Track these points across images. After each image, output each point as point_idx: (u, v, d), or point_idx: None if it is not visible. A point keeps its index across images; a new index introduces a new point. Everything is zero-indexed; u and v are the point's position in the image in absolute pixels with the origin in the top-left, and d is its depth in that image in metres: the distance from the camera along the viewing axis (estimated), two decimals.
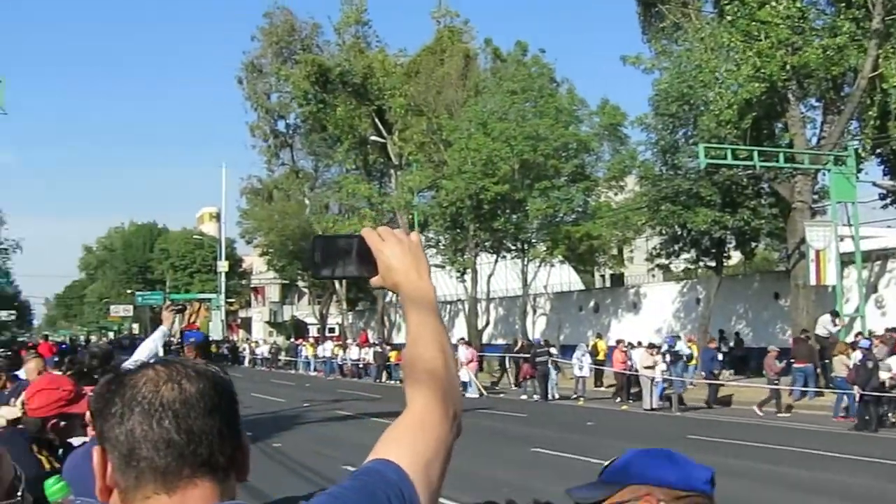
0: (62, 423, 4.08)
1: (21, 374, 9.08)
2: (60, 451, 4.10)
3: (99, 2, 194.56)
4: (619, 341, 27.80)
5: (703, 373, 24.19)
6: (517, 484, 12.36)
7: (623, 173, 35.70)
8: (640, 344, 26.04)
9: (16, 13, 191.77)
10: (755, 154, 24.21)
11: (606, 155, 37.12)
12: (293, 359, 49.44)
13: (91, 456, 1.32)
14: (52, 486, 3.41)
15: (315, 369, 44.96)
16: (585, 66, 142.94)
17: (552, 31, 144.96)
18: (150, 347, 6.95)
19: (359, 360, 41.18)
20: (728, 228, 27.40)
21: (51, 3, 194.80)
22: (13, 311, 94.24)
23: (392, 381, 36.58)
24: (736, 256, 33.69)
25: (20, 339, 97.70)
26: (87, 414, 4.22)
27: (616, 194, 37.32)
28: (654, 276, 42.47)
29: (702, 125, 25.70)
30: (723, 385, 24.30)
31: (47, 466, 3.96)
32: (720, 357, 25.64)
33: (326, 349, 45.25)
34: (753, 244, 31.34)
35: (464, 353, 29.21)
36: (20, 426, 4.31)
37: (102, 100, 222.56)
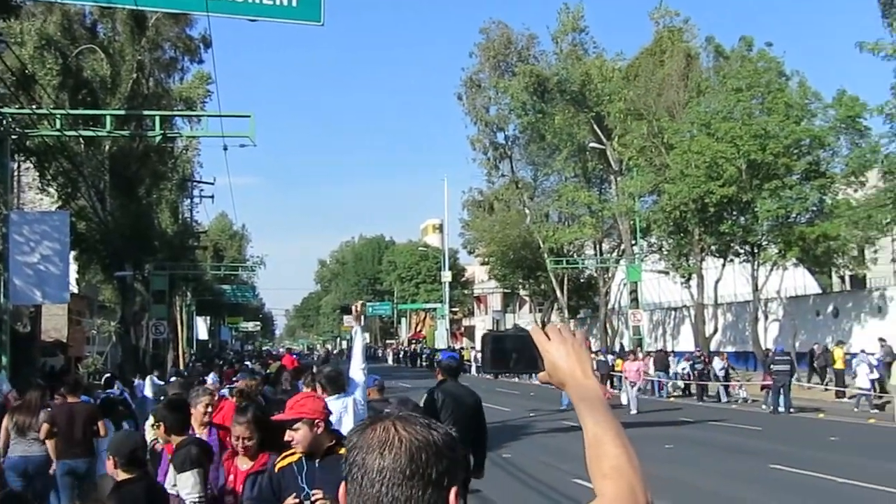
0: None
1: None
2: None
3: (323, 32, 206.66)
4: None
5: None
6: (756, 502, 11.80)
7: (864, 168, 33.17)
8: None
9: (257, 57, 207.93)
10: None
11: (844, 150, 34.65)
12: None
13: None
14: None
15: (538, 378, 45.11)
16: (819, 56, 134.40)
17: (780, 23, 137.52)
18: (358, 359, 7.43)
19: None
20: None
21: (277, 40, 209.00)
22: (258, 323, 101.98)
23: (615, 391, 36.05)
24: None
25: (265, 347, 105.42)
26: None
27: (856, 191, 34.74)
28: None
29: None
30: None
31: None
32: None
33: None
34: None
35: (632, 367, 27.38)
36: None
37: (332, 122, 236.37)
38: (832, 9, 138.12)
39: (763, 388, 27.14)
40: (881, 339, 28.60)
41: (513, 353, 1.66)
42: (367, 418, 1.55)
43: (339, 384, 7.21)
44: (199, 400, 6.83)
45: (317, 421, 4.46)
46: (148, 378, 20.72)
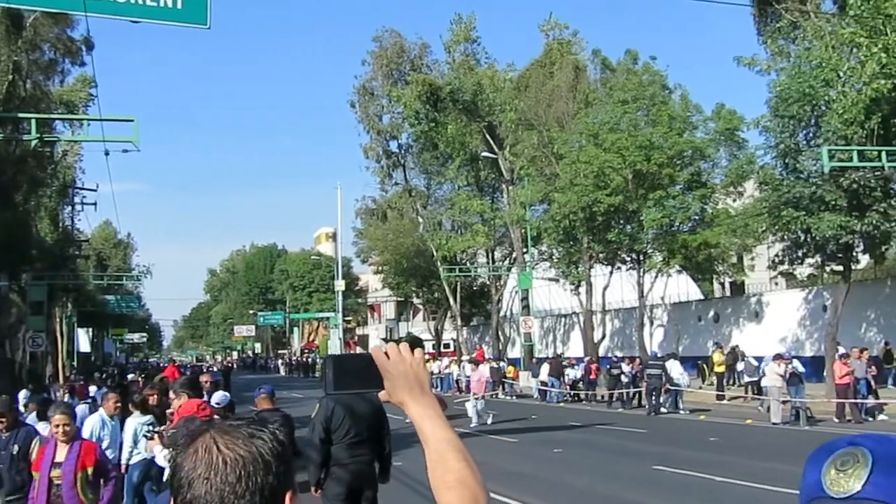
0: None
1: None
2: None
3: (214, 34, 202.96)
4: (841, 355, 23.55)
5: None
6: (640, 502, 12.10)
7: (741, 179, 34.65)
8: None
9: (143, 60, 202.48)
10: (883, 154, 23.02)
11: (724, 161, 36.13)
12: None
13: None
14: None
15: (431, 385, 45.12)
16: (699, 70, 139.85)
17: (663, 38, 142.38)
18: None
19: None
20: (856, 233, 26.09)
21: (167, 44, 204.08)
22: (145, 334, 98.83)
23: (508, 397, 36.48)
24: (864, 260, 32.09)
25: (151, 359, 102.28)
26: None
27: (734, 200, 36.25)
28: (776, 283, 40.97)
29: (825, 126, 24.64)
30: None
31: None
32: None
33: (442, 365, 45.42)
34: (884, 247, 29.73)
35: (475, 376, 26.54)
36: None
37: (222, 128, 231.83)
38: (712, 25, 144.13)
39: (666, 391, 27.76)
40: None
41: (355, 374, 1.68)
42: (185, 434, 1.43)
43: (198, 388, 7.14)
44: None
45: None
46: (22, 392, 20.19)
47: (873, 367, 24.37)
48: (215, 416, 9.10)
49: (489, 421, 23.98)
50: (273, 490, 1.39)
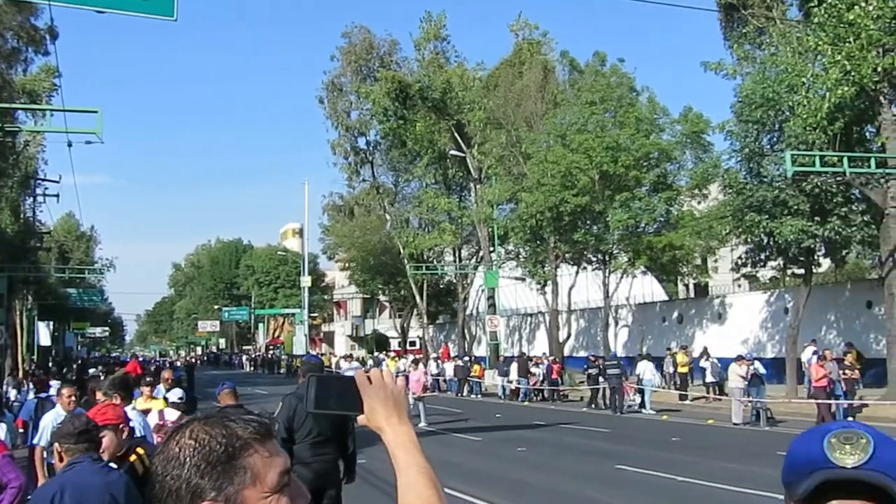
0: None
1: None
2: None
3: (182, 28, 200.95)
4: (820, 355, 23.80)
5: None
6: (602, 502, 12.18)
7: (706, 182, 34.99)
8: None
9: (109, 51, 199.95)
10: (845, 160, 23.36)
11: (689, 163, 36.46)
12: None
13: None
14: None
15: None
16: (667, 74, 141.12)
17: (631, 41, 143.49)
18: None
19: (438, 374, 41.14)
20: (817, 237, 26.48)
21: (137, 34, 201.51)
22: (107, 328, 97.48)
23: (473, 396, 36.53)
24: (825, 263, 32.56)
25: (113, 353, 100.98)
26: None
27: (699, 203, 36.61)
28: (739, 285, 41.43)
29: (788, 131, 24.96)
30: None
31: None
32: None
33: (407, 363, 45.34)
34: (844, 252, 30.21)
35: (413, 376, 25.75)
36: None
37: (189, 122, 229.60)
38: (680, 29, 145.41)
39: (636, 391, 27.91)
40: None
41: (336, 395, 1.72)
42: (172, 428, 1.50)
43: (129, 388, 7.13)
44: None
45: (121, 426, 4.69)
46: None
47: (857, 370, 24.47)
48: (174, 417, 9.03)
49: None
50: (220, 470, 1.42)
